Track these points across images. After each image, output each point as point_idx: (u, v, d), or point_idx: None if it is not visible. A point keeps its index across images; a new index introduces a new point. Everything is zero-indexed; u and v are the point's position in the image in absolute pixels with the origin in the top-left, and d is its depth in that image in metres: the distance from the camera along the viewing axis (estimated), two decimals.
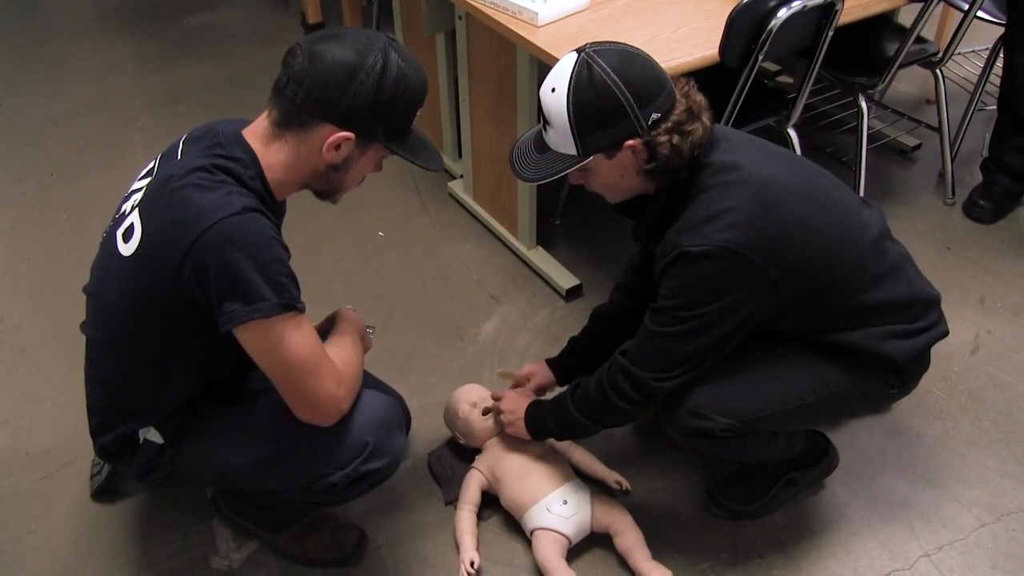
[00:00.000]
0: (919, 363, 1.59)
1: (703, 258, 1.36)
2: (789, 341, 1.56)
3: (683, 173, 1.42)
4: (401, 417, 1.59)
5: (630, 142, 1.37)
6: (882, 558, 1.73)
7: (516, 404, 1.75)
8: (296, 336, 1.30)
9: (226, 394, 1.52)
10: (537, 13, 2.02)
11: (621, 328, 1.65)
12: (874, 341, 1.52)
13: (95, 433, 1.50)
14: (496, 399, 1.81)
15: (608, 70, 1.33)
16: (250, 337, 1.28)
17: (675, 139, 1.37)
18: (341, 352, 1.44)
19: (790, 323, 1.53)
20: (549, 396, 1.74)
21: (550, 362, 1.89)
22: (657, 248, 1.46)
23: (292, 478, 1.49)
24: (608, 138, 1.37)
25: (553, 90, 1.38)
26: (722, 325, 1.42)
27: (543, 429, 1.71)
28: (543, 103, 1.41)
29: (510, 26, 2.05)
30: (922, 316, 1.56)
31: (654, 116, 1.36)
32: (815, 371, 1.55)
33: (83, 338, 1.49)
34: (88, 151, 3.05)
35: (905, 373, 1.57)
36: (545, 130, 1.44)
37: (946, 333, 1.60)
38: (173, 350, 1.39)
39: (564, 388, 1.70)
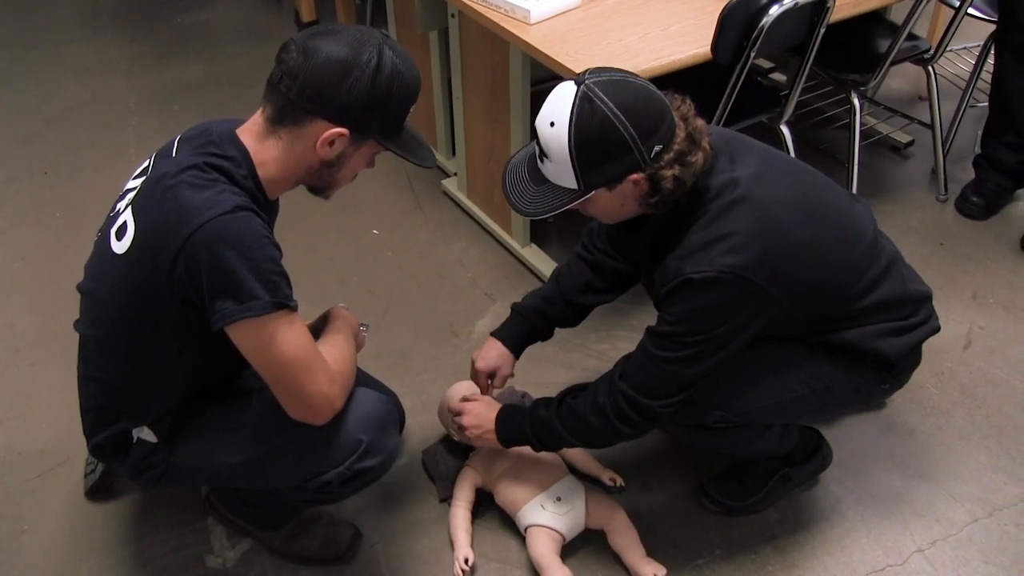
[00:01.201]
0: (911, 359, 1.60)
1: (708, 284, 1.34)
2: (784, 338, 1.57)
3: (683, 200, 1.39)
4: (395, 415, 1.59)
5: (633, 176, 1.33)
6: (876, 553, 1.73)
7: (482, 417, 1.68)
8: (289, 335, 1.30)
9: (220, 393, 1.52)
10: (529, 11, 2.02)
11: (588, 300, 1.75)
12: (869, 339, 1.52)
13: (89, 432, 1.49)
14: (456, 413, 1.74)
15: (610, 103, 1.28)
16: (242, 336, 1.28)
17: (678, 170, 1.33)
18: (334, 350, 1.44)
19: (788, 330, 1.52)
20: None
21: (502, 339, 1.78)
22: (656, 273, 1.44)
23: (286, 477, 1.49)
24: (610, 172, 1.33)
25: (552, 124, 1.32)
26: (727, 347, 1.41)
27: (518, 439, 1.64)
28: (541, 137, 1.35)
29: (503, 24, 2.05)
30: (915, 313, 1.57)
31: (656, 148, 1.31)
32: (808, 365, 1.55)
33: (77, 337, 1.48)
34: (82, 150, 3.05)
35: (897, 368, 1.57)
36: (542, 161, 1.38)
37: (938, 329, 1.61)
38: (166, 348, 1.39)
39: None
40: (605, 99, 1.28)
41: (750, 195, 1.38)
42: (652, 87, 1.35)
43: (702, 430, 1.56)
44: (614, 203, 1.40)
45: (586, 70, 1.34)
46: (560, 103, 1.31)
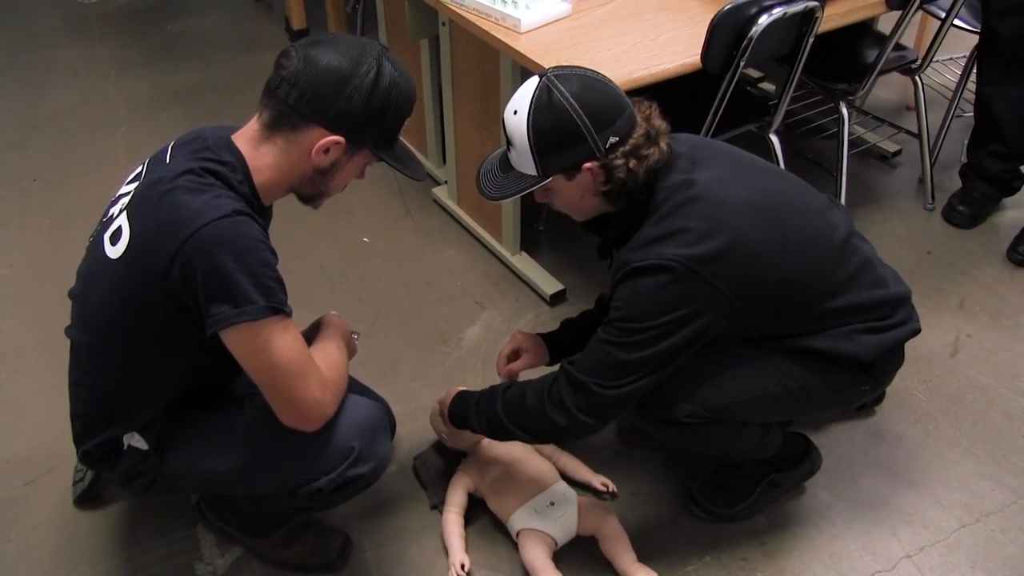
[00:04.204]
0: (889, 360, 1.59)
1: (650, 272, 1.38)
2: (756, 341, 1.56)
3: (640, 197, 1.45)
4: (386, 421, 1.59)
5: (588, 164, 1.41)
6: (864, 559, 1.74)
7: (448, 394, 1.74)
8: (283, 340, 1.30)
9: (210, 399, 1.52)
10: (520, 20, 2.03)
11: None
12: (837, 342, 1.52)
13: (78, 439, 1.49)
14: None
15: (567, 95, 1.37)
16: (237, 340, 1.28)
17: (632, 163, 1.40)
18: (326, 357, 1.44)
19: (752, 332, 1.53)
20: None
21: (544, 336, 1.85)
22: (612, 268, 1.48)
23: (277, 484, 1.49)
24: (566, 160, 1.41)
25: (515, 112, 1.42)
26: (671, 338, 1.41)
27: (463, 420, 1.67)
28: (506, 125, 1.44)
29: (493, 32, 2.06)
30: (891, 314, 1.56)
31: (612, 140, 1.39)
32: (782, 363, 1.55)
33: (65, 344, 1.48)
34: (70, 156, 3.03)
35: (875, 369, 1.57)
36: (508, 150, 1.47)
37: (917, 331, 1.61)
38: (157, 353, 1.38)
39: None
40: (563, 91, 1.38)
41: (705, 195, 1.42)
42: (613, 84, 1.44)
43: (674, 426, 1.56)
44: (575, 194, 1.48)
45: (551, 67, 1.45)
46: (523, 94, 1.42)
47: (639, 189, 1.44)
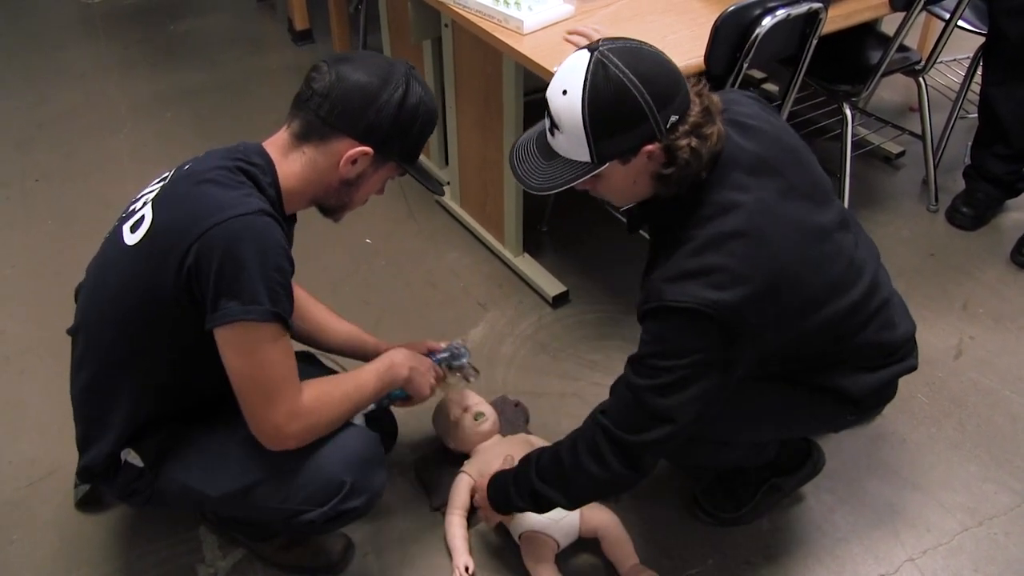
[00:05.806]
0: (880, 394, 1.54)
1: (683, 314, 1.27)
2: None
3: (685, 194, 1.33)
4: (380, 452, 1.54)
5: (648, 147, 1.27)
6: (867, 563, 1.74)
7: (484, 490, 1.64)
8: (271, 351, 1.30)
9: (210, 418, 1.49)
10: (523, 21, 2.03)
11: None
12: (828, 379, 1.47)
13: (80, 447, 1.48)
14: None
15: (625, 70, 1.23)
16: (232, 338, 1.29)
17: (694, 142, 1.27)
18: (327, 393, 1.42)
19: (763, 369, 1.46)
20: None
21: None
22: (642, 287, 1.38)
23: (268, 514, 1.47)
24: (625, 143, 1.27)
25: (565, 92, 1.26)
26: (703, 380, 1.32)
27: (506, 503, 1.57)
28: (552, 107, 1.29)
29: (496, 34, 2.06)
30: (892, 354, 1.51)
31: (673, 119, 1.26)
32: (763, 389, 1.50)
33: (68, 344, 1.48)
34: (74, 156, 3.03)
35: (863, 404, 1.52)
36: (552, 134, 1.32)
37: (914, 367, 1.55)
38: (159, 352, 1.38)
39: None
40: (621, 65, 1.24)
41: (750, 231, 1.30)
42: (666, 56, 1.31)
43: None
44: (627, 180, 1.33)
45: (600, 40, 1.30)
46: (573, 71, 1.26)
47: (698, 174, 1.31)
